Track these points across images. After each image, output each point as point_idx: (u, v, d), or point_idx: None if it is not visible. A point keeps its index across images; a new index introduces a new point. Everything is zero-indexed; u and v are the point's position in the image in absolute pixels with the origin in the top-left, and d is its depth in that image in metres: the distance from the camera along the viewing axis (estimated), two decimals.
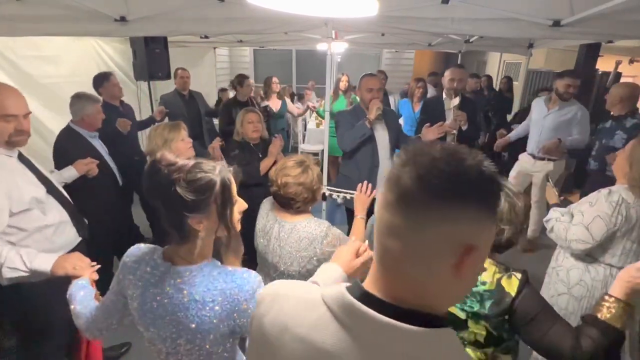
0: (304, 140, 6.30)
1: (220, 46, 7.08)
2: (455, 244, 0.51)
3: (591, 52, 4.28)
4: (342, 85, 4.81)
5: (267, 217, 1.65)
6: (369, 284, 0.59)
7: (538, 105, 3.46)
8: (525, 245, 3.65)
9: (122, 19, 2.52)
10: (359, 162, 2.70)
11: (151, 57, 3.91)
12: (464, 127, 3.06)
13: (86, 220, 1.93)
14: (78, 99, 2.53)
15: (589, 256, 1.79)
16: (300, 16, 2.58)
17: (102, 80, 3.23)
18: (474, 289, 1.18)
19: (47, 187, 1.68)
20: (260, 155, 2.75)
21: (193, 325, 0.95)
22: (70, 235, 1.78)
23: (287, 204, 1.57)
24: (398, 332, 0.52)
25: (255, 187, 2.44)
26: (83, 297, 1.22)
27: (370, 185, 1.85)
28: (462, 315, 1.23)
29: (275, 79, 4.77)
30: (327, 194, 2.70)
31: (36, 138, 3.06)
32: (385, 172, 2.71)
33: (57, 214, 1.70)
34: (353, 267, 1.09)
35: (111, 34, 2.90)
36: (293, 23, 2.91)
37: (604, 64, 5.12)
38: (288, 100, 5.21)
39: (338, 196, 2.30)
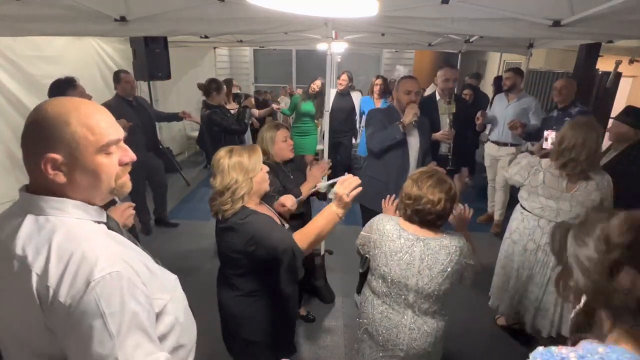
0: None
1: (220, 46, 7.09)
2: None
3: (591, 52, 4.28)
4: (312, 88, 4.65)
5: (400, 238, 1.51)
6: None
7: (499, 99, 4.05)
8: (495, 228, 4.14)
9: (122, 19, 2.52)
10: (388, 164, 2.58)
11: (151, 57, 3.92)
12: (449, 142, 3.00)
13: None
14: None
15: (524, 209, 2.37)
16: (300, 16, 2.59)
17: (66, 88, 2.87)
18: None
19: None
20: (292, 177, 2.26)
21: None
22: (192, 327, 1.11)
23: (434, 221, 1.48)
24: None
25: (294, 220, 1.98)
26: None
27: (395, 200, 1.86)
28: None
29: (235, 82, 4.66)
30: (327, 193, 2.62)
31: None
32: None
33: (177, 307, 1.03)
34: None
35: (111, 34, 2.90)
36: (293, 23, 2.91)
37: (604, 64, 5.11)
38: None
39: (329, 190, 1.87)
